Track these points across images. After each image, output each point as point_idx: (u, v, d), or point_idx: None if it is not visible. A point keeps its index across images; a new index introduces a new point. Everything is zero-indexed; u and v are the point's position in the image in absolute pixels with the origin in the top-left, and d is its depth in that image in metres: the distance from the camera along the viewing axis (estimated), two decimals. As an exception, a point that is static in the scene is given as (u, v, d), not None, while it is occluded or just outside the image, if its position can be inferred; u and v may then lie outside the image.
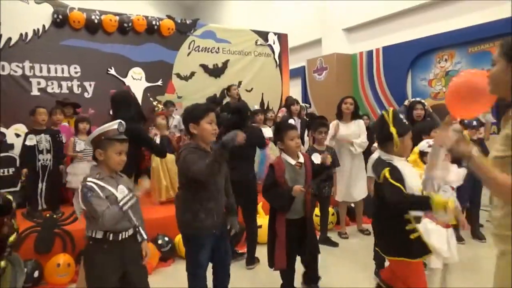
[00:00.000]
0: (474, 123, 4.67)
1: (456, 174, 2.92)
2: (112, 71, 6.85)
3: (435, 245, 2.81)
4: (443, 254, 2.93)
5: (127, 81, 7.03)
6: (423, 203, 2.25)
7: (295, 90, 10.07)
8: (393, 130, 2.44)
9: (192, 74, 7.66)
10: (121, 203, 2.26)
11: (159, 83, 7.32)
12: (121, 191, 2.33)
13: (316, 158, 3.98)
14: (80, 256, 3.70)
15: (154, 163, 5.53)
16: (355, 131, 4.99)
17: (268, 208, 3.23)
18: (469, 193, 4.60)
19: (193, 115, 2.69)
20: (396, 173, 2.37)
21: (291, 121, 6.34)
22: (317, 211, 4.93)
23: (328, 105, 8.11)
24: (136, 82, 7.12)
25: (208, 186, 2.65)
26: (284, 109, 7.20)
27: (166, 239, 4.40)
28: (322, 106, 9.21)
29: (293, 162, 3.04)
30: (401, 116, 2.55)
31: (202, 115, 2.67)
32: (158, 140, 5.48)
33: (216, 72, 7.92)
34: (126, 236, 2.35)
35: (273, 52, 8.73)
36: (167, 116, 6.28)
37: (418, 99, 5.58)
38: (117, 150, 2.35)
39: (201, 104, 2.92)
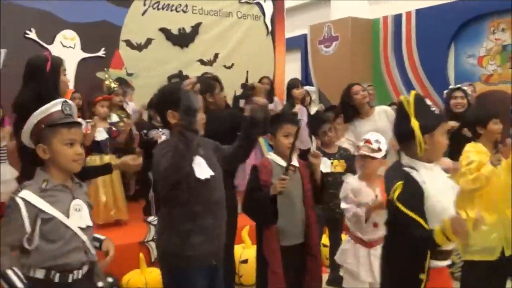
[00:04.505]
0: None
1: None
2: (33, 35, 6.22)
3: (349, 267, 3.25)
4: (361, 278, 3.21)
5: (54, 48, 6.22)
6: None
7: (292, 67, 9.73)
8: (414, 124, 2.26)
9: (149, 41, 7.03)
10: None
11: (101, 53, 6.68)
12: (75, 209, 2.11)
13: (325, 166, 4.03)
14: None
15: (92, 171, 5.15)
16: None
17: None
18: None
19: (173, 99, 2.55)
20: (412, 190, 2.22)
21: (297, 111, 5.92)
22: (325, 239, 4.69)
23: (339, 88, 7.57)
24: (67, 52, 6.36)
25: (201, 195, 2.51)
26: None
27: (110, 280, 4.03)
28: (330, 89, 8.72)
29: (284, 163, 3.02)
30: (429, 102, 2.39)
31: None
32: (100, 136, 5.06)
33: (182, 39, 7.31)
34: (79, 276, 2.12)
35: (264, 14, 8.14)
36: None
37: (457, 85, 5.44)
38: (66, 140, 2.10)
39: None
